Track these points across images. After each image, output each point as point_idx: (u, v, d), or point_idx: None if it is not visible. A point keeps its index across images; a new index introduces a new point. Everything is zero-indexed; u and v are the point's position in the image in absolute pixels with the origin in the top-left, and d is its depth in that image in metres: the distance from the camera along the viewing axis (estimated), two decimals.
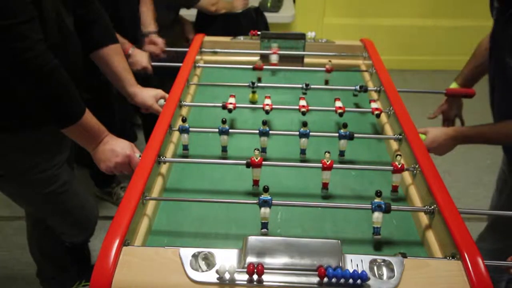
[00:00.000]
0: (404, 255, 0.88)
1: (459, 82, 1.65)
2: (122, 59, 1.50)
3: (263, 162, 1.13)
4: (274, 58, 1.75)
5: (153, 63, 1.87)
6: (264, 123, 1.25)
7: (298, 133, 1.26)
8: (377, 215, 1.00)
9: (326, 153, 1.14)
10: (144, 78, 1.75)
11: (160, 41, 2.01)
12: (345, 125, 1.25)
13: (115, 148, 1.26)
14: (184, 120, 1.29)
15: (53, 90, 1.16)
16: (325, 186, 1.16)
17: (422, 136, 1.39)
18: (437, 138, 1.38)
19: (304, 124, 1.25)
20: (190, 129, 1.28)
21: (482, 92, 1.64)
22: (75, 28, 1.36)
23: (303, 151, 1.29)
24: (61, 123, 1.21)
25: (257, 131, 1.26)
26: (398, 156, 1.15)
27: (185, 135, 1.28)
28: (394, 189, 1.17)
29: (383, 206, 1.00)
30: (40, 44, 1.12)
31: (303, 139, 1.27)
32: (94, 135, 1.26)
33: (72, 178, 1.50)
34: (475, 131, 1.38)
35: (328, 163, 1.13)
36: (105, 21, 1.47)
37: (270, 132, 1.26)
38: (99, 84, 2.04)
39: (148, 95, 1.53)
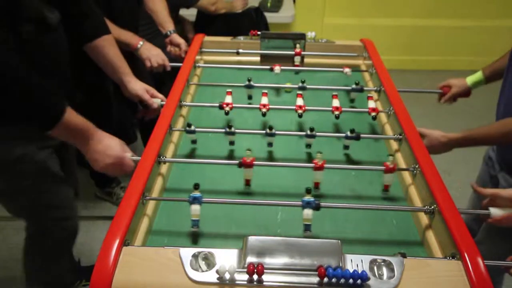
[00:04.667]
0: (404, 255, 0.88)
1: (486, 73, 1.63)
2: (115, 49, 1.50)
3: (255, 162, 1.14)
4: (297, 60, 1.75)
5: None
6: (270, 128, 1.26)
7: (298, 133, 1.27)
8: (307, 212, 1.01)
9: (318, 153, 1.14)
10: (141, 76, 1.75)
11: (182, 41, 1.99)
12: (352, 131, 1.26)
13: (107, 150, 1.24)
14: (189, 126, 1.29)
15: (23, 95, 1.12)
16: (316, 185, 1.17)
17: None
18: (433, 144, 1.40)
19: (311, 129, 1.27)
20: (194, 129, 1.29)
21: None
22: (65, 24, 1.36)
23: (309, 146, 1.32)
24: (41, 126, 1.18)
25: (256, 131, 1.26)
26: (390, 156, 1.15)
27: (192, 135, 1.31)
28: (386, 188, 1.18)
29: (312, 203, 1.00)
30: None
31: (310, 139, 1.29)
32: (80, 133, 1.23)
33: (58, 176, 1.47)
34: (467, 136, 1.39)
35: (320, 164, 1.13)
36: (97, 13, 1.47)
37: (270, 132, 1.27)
38: (96, 84, 2.04)
39: (140, 86, 1.54)
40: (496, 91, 1.52)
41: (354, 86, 1.51)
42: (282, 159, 1.30)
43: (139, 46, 1.81)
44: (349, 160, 1.32)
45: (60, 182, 1.48)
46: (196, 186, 1.02)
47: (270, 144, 1.31)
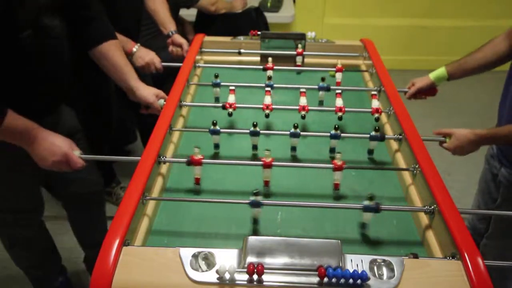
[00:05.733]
0: (416, 256, 0.89)
1: (448, 69, 1.64)
2: (122, 54, 1.50)
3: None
4: (299, 60, 1.75)
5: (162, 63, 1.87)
6: (295, 127, 1.25)
7: (304, 133, 1.26)
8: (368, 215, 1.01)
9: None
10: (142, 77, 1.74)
11: (184, 41, 1.97)
12: (376, 129, 1.26)
13: (52, 147, 1.24)
14: (215, 124, 1.28)
15: None
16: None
17: (446, 139, 1.41)
18: (461, 143, 1.39)
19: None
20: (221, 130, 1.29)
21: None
22: (70, 28, 1.36)
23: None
24: None
25: (260, 132, 1.26)
26: (338, 154, 1.15)
27: (216, 136, 1.30)
28: (336, 187, 1.17)
29: (373, 207, 1.00)
30: None
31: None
32: (23, 135, 1.23)
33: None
34: (495, 133, 1.39)
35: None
36: (103, 18, 1.47)
37: (270, 132, 1.26)
38: (96, 84, 2.04)
39: (150, 92, 1.52)
40: (495, 91, 1.53)
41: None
42: (282, 158, 1.30)
43: (134, 50, 1.81)
44: (350, 160, 1.31)
45: (27, 175, 1.46)
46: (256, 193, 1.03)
47: (293, 149, 1.31)
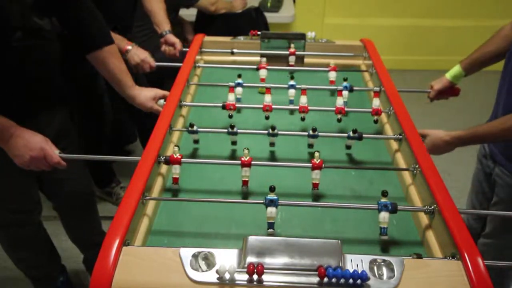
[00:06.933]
0: (420, 256, 0.89)
1: (463, 65, 1.65)
2: (119, 60, 1.49)
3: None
4: (291, 59, 1.75)
5: (156, 63, 1.87)
6: (273, 129, 1.25)
7: (301, 133, 1.26)
8: (384, 215, 1.00)
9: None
10: (136, 77, 1.73)
11: (177, 41, 1.97)
12: (354, 131, 1.25)
13: (28, 143, 1.24)
14: (192, 126, 1.29)
15: None
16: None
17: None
18: (436, 144, 1.41)
19: (314, 129, 1.26)
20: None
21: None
22: (64, 30, 1.36)
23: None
24: None
25: (258, 132, 1.26)
26: (316, 153, 1.14)
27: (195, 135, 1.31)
28: (315, 186, 1.15)
29: (389, 206, 1.00)
30: None
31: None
32: (0, 133, 1.24)
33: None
34: (469, 133, 1.39)
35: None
36: (99, 21, 1.45)
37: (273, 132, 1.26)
38: (88, 83, 2.04)
39: (146, 98, 1.51)
40: (495, 90, 1.53)
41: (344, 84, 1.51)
42: (284, 159, 1.30)
43: (129, 49, 1.82)
44: (350, 160, 1.32)
45: (21, 176, 1.46)
46: (272, 189, 1.01)
47: (272, 144, 1.31)
